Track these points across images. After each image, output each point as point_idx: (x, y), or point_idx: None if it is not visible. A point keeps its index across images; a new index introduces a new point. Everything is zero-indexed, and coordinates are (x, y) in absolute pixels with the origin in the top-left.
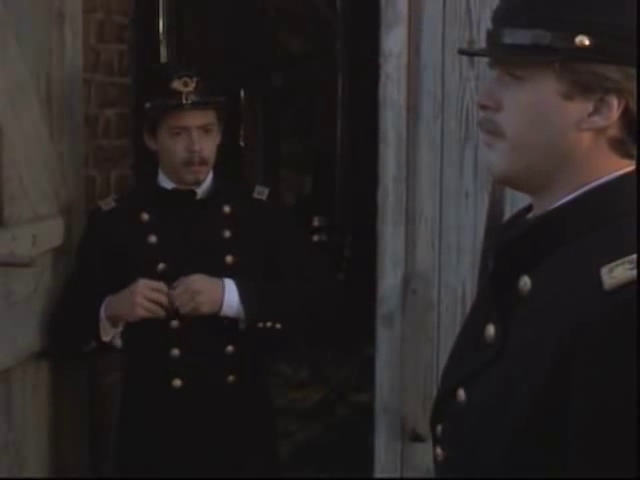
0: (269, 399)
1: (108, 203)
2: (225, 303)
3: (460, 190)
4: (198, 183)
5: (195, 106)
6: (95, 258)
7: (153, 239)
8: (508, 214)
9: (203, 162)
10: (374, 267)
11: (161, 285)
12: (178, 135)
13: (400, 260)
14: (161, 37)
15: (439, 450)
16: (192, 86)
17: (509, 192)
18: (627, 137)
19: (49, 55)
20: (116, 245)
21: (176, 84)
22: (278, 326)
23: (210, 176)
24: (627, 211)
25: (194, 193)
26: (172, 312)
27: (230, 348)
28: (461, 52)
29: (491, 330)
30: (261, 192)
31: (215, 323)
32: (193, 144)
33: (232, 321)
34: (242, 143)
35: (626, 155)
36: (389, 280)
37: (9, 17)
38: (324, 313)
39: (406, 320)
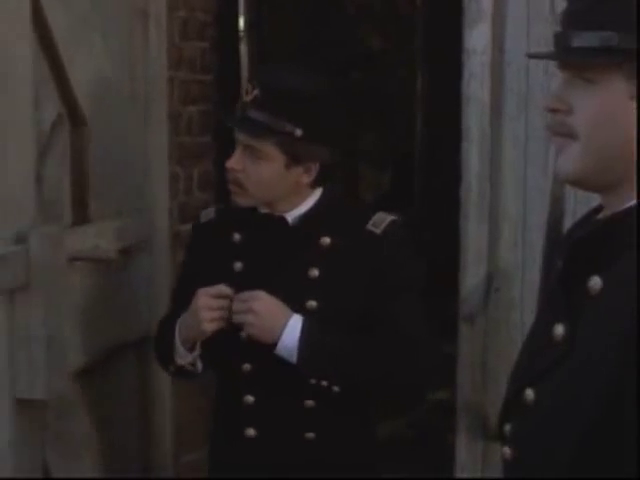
0: (364, 462)
1: (208, 214)
2: (281, 342)
3: (544, 187)
4: (248, 205)
5: (240, 124)
6: (188, 276)
7: (238, 266)
8: (570, 213)
9: (237, 183)
10: (454, 265)
11: (223, 289)
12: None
13: (483, 258)
14: (241, 35)
15: (507, 449)
16: (249, 97)
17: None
18: None
19: (134, 53)
20: (206, 263)
21: (244, 88)
22: (336, 389)
23: (313, 199)
24: None
25: (284, 219)
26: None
27: (310, 402)
28: (530, 56)
29: (560, 329)
30: (378, 223)
31: (292, 371)
32: (229, 160)
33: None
34: None
35: None
36: (471, 278)
37: (95, 16)
38: (406, 378)
39: (488, 318)
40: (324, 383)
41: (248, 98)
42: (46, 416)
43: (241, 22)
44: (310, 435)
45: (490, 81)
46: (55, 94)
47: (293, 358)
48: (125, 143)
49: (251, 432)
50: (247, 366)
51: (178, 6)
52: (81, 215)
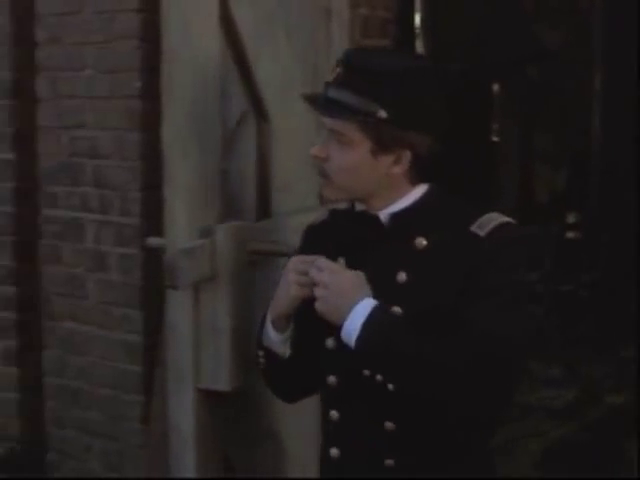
0: None
1: (322, 216)
2: (345, 325)
3: None
4: (332, 202)
5: (319, 103)
6: None
7: None
8: None
9: (322, 174)
10: (634, 267)
11: (315, 258)
12: None
13: None
14: (417, 32)
15: None
16: (333, 75)
17: None
18: None
19: (316, 50)
20: None
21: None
22: (390, 387)
23: (413, 197)
24: None
25: (378, 218)
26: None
27: (390, 424)
28: None
29: None
30: (484, 225)
31: (374, 388)
32: (314, 146)
33: (395, 389)
34: (495, 138)
35: None
36: None
37: (280, 13)
38: (469, 393)
39: None
40: (379, 378)
41: (332, 76)
42: (228, 407)
43: (417, 20)
44: (389, 462)
45: None
46: (241, 91)
47: (352, 342)
48: (307, 140)
49: (334, 452)
50: (332, 378)
51: (360, 4)
52: (264, 210)
